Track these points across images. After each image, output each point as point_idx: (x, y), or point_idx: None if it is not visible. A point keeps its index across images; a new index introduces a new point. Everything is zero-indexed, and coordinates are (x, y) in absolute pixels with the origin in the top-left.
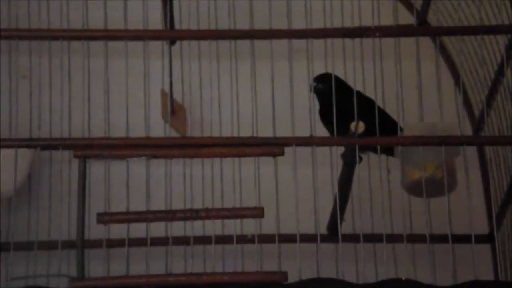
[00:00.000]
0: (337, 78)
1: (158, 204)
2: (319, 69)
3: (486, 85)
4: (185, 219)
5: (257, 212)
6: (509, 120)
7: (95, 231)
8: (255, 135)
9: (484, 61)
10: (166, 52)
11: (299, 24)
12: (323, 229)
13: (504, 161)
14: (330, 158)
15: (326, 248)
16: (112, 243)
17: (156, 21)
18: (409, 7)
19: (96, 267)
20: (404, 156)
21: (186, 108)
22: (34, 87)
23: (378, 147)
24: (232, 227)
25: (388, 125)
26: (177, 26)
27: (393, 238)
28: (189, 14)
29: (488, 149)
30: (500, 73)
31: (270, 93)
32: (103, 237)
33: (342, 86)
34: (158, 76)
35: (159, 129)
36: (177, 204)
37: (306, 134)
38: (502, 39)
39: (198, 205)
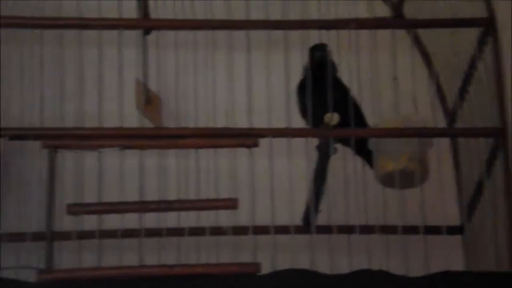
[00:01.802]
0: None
1: (131, 196)
2: (296, 61)
3: (459, 77)
4: (158, 210)
5: (231, 204)
6: (481, 112)
7: (68, 222)
8: (230, 126)
9: (457, 54)
10: (142, 41)
11: (276, 15)
12: (299, 221)
13: (476, 153)
14: (306, 150)
15: (302, 239)
16: (84, 235)
17: (131, 10)
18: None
19: (68, 259)
20: (378, 148)
21: (162, 98)
22: (3, 76)
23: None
24: (207, 218)
25: (360, 119)
26: (153, 15)
27: (367, 229)
28: (164, 4)
29: (460, 141)
30: (472, 66)
31: (247, 84)
32: (75, 229)
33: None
34: (133, 65)
35: (133, 119)
36: (151, 196)
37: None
38: (475, 32)
39: (172, 196)
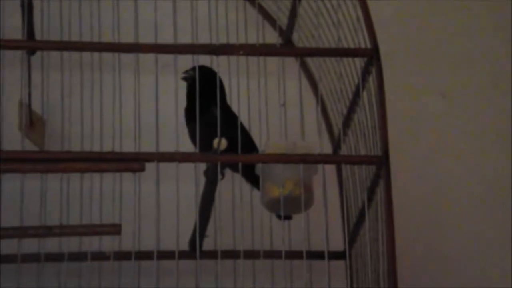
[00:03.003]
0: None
1: (10, 221)
2: (185, 84)
3: (344, 105)
4: (37, 236)
5: (114, 229)
6: (364, 140)
7: None
8: (116, 150)
9: (343, 81)
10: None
11: (166, 38)
12: (186, 246)
13: (360, 180)
14: (195, 174)
15: (188, 264)
16: None
17: (16, 30)
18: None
19: None
20: (264, 174)
21: (46, 120)
22: None
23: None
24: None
25: (249, 144)
26: (39, 36)
27: (252, 254)
28: (49, 25)
29: (345, 168)
30: (357, 94)
31: (134, 107)
32: None
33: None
34: (17, 86)
35: (15, 141)
36: (32, 221)
37: (173, 149)
38: (359, 62)
39: (54, 221)
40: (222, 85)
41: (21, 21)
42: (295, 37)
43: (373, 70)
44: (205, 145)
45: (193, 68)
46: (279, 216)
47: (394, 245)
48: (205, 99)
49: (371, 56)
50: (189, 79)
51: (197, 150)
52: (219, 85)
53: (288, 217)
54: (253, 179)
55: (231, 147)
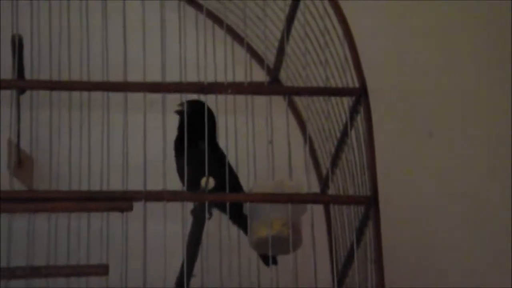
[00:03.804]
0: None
1: None
2: (173, 123)
3: (332, 144)
4: (24, 276)
5: (102, 270)
6: (353, 179)
7: None
8: (104, 188)
9: (331, 120)
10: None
11: (154, 76)
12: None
13: (348, 220)
14: (182, 213)
15: None
16: None
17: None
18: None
19: None
20: (252, 213)
21: (34, 159)
22: None
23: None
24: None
25: (235, 186)
26: (29, 75)
27: None
28: (39, 64)
29: (333, 208)
30: (345, 133)
31: (123, 146)
32: None
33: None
34: (6, 125)
35: (4, 180)
36: (19, 260)
37: (160, 186)
38: (346, 101)
39: (41, 261)
40: (214, 122)
41: (12, 60)
42: (283, 75)
43: (361, 109)
44: (191, 179)
45: (188, 103)
46: (264, 261)
47: (384, 287)
48: (195, 134)
49: (359, 95)
50: (182, 113)
51: (184, 185)
52: (211, 122)
53: (274, 261)
54: (240, 222)
55: (218, 187)
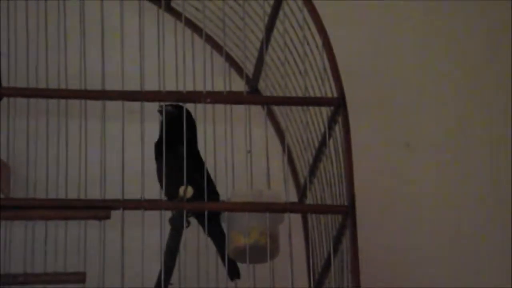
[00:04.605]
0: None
1: None
2: (152, 131)
3: (311, 154)
4: (1, 284)
5: (79, 278)
6: (330, 189)
7: None
8: (82, 196)
9: (309, 130)
10: None
11: (133, 85)
12: None
13: (326, 229)
14: (160, 221)
15: None
16: None
17: None
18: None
19: None
20: (230, 222)
21: (11, 167)
22: None
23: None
24: None
25: (212, 194)
26: (5, 82)
27: None
28: (15, 72)
29: (310, 217)
30: (323, 143)
31: (101, 154)
32: None
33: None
34: None
35: None
36: None
37: (138, 194)
38: (325, 110)
39: (19, 269)
40: (195, 127)
41: None
42: (262, 85)
43: (340, 119)
44: (170, 183)
45: (173, 105)
46: (229, 273)
47: None
48: (176, 137)
49: (338, 105)
50: (168, 114)
51: (163, 189)
52: (191, 126)
53: (237, 275)
54: (216, 236)
55: (197, 194)
